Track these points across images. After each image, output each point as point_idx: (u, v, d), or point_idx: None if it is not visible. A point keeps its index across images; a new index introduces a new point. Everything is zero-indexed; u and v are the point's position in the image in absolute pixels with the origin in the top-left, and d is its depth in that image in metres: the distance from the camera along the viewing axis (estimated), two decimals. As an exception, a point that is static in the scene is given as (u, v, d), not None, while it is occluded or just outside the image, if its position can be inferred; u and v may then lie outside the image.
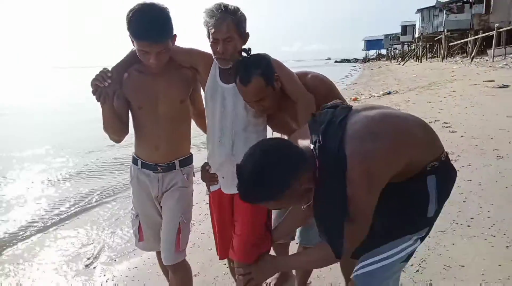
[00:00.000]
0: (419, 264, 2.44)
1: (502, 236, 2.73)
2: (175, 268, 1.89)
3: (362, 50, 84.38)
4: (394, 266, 1.36)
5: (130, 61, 1.82)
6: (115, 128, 1.84)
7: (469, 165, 4.30)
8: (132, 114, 1.89)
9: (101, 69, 1.72)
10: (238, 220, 1.76)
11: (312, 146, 1.31)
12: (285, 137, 1.86)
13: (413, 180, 1.32)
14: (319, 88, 1.74)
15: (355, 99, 12.05)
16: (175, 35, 1.73)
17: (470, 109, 7.76)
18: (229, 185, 1.76)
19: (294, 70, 1.80)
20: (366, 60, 74.81)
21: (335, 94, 1.77)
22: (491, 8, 26.83)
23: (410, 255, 1.38)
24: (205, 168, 1.84)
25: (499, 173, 3.98)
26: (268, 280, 2.18)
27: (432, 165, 1.31)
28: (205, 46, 1.80)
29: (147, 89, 1.80)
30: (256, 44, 1.88)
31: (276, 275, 2.28)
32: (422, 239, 1.39)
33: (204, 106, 1.84)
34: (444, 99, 9.77)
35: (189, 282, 1.99)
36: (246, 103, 1.68)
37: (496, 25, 21.16)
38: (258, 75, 1.57)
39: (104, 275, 2.89)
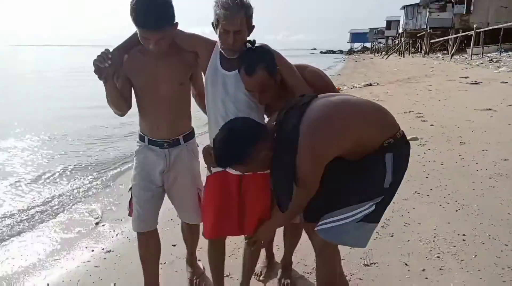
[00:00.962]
0: (384, 222, 2.95)
1: (454, 203, 3.28)
2: (196, 227, 2.21)
3: (348, 42, 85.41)
4: (349, 225, 1.58)
5: (132, 43, 1.89)
6: (117, 104, 1.94)
7: (435, 149, 4.87)
8: (135, 93, 1.98)
9: (103, 50, 1.81)
10: (250, 199, 1.88)
11: (274, 123, 1.61)
12: None
13: (372, 156, 1.53)
14: (317, 83, 1.82)
15: (338, 89, 12.56)
16: (177, 23, 1.79)
17: (443, 102, 8.39)
18: None
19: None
20: (351, 52, 75.69)
21: (331, 89, 1.85)
22: (472, 9, 27.75)
23: (366, 216, 1.57)
24: (208, 151, 1.85)
25: (459, 155, 4.55)
26: (257, 270, 2.40)
27: (388, 142, 1.52)
28: (203, 30, 1.91)
29: (148, 71, 1.88)
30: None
31: (263, 263, 2.49)
32: (377, 204, 1.57)
33: (204, 91, 1.90)
34: (420, 92, 10.40)
35: (198, 237, 2.30)
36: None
37: (475, 25, 21.98)
38: (263, 68, 1.66)
39: (114, 231, 3.30)
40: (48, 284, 2.53)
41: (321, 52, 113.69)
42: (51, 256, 2.98)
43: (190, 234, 2.32)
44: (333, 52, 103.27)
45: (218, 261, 2.13)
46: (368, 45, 75.58)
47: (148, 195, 2.03)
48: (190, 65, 1.94)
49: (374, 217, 1.59)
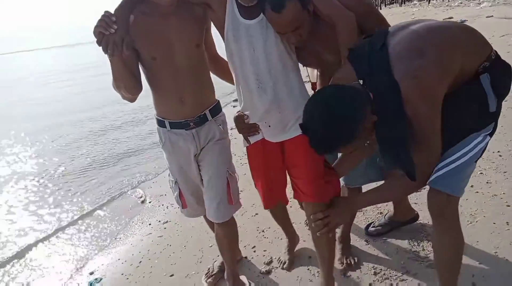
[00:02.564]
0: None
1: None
2: (229, 228, 1.81)
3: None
4: (470, 165, 1.33)
5: (132, 1, 1.54)
6: (128, 84, 1.57)
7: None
8: (145, 67, 1.64)
9: (103, 13, 1.44)
10: (297, 165, 1.66)
11: (360, 81, 1.30)
12: (315, 71, 1.82)
13: (468, 84, 1.30)
14: (357, 6, 1.50)
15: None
16: None
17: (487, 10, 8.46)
18: (277, 133, 1.65)
19: None
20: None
21: (374, 11, 1.60)
22: None
23: (482, 152, 1.36)
24: (242, 119, 1.67)
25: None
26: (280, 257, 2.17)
27: (483, 66, 1.30)
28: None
29: (158, 35, 1.55)
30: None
31: (285, 248, 2.18)
32: (491, 134, 1.36)
33: (226, 49, 1.58)
34: (410, 38, 10.48)
35: (236, 235, 1.91)
36: (276, 40, 1.50)
37: (449, -35, 21.84)
38: None
39: (162, 205, 3.41)
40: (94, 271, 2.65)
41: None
42: (112, 236, 3.10)
43: (224, 239, 1.84)
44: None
45: (283, 221, 2.13)
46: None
47: (194, 182, 1.82)
48: (201, 20, 1.63)
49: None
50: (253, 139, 1.71)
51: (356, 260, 2.02)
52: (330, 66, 1.57)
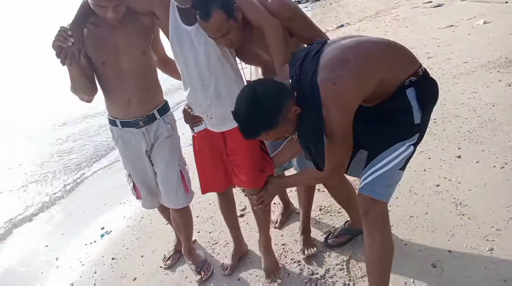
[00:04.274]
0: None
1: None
2: (184, 211, 2.11)
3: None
4: (394, 173, 1.44)
5: (86, 13, 1.70)
6: (85, 88, 1.78)
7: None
8: (96, 72, 1.82)
9: (59, 28, 1.63)
10: (236, 155, 1.86)
11: (290, 81, 1.44)
12: (259, 69, 1.95)
13: (394, 96, 1.42)
14: (283, 12, 1.65)
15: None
16: None
17: (410, 28, 9.05)
18: (218, 124, 1.84)
19: None
20: (316, -1, 74.64)
21: (300, 15, 1.72)
22: None
23: (407, 161, 1.46)
24: (187, 111, 1.85)
25: (428, 66, 5.25)
26: (273, 218, 2.45)
27: (410, 80, 1.40)
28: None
29: (107, 44, 1.74)
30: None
31: (280, 211, 2.58)
32: (415, 145, 1.46)
33: (172, 53, 1.76)
34: (389, 23, 11.00)
35: (191, 218, 2.23)
36: (215, 43, 1.66)
37: None
38: (217, 8, 1.51)
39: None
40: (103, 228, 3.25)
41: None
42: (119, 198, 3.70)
43: (180, 220, 2.16)
44: (299, 2, 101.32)
45: (228, 212, 2.21)
46: (332, -12, 74.48)
47: (149, 176, 2.03)
48: (149, 29, 1.81)
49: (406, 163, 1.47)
50: (197, 129, 1.90)
51: (315, 250, 2.19)
52: (271, 64, 1.72)
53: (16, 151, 5.81)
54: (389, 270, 1.57)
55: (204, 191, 2.03)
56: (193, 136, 1.94)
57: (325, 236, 2.31)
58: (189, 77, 1.77)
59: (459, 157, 2.83)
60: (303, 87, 1.36)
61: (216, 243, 2.55)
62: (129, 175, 2.04)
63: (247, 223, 2.66)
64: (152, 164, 2.02)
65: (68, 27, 1.66)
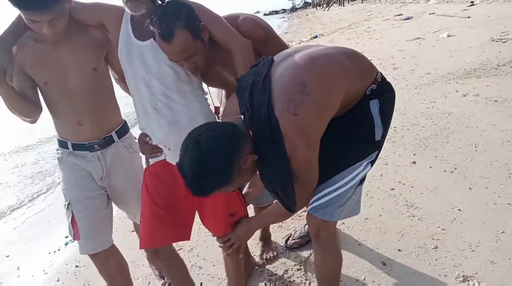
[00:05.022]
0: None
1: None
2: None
3: (288, 0, 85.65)
4: (348, 193, 1.37)
5: (18, 30, 1.49)
6: (20, 109, 1.55)
7: (374, 76, 5.82)
8: (40, 91, 1.60)
9: None
10: (201, 201, 1.58)
11: (242, 117, 1.26)
12: (223, 91, 1.81)
13: (356, 108, 1.30)
14: (256, 32, 1.52)
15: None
16: None
17: (380, 40, 9.40)
18: (178, 156, 1.45)
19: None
20: (293, 9, 76.17)
21: (274, 37, 1.61)
22: None
23: (363, 179, 1.39)
24: (143, 140, 1.60)
25: (392, 77, 5.53)
26: (261, 257, 2.25)
27: (371, 88, 1.30)
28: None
29: (49, 61, 1.52)
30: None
31: (261, 248, 2.31)
32: (372, 163, 1.39)
33: (123, 70, 1.54)
34: (360, 35, 11.38)
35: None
36: (172, 62, 1.42)
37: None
38: (181, 28, 1.31)
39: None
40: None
41: (264, 14, 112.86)
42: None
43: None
44: (277, 12, 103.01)
45: (180, 271, 1.83)
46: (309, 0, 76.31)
47: (95, 205, 1.68)
48: (100, 44, 1.59)
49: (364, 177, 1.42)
50: (153, 160, 1.61)
51: (275, 254, 2.22)
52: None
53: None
54: (338, 278, 1.59)
55: (144, 244, 1.61)
56: (145, 169, 1.64)
57: (285, 238, 2.38)
58: (140, 99, 1.53)
59: (414, 163, 2.98)
60: (259, 124, 1.17)
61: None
62: (68, 204, 1.66)
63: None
64: (110, 191, 1.76)
65: None
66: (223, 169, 1.13)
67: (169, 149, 1.55)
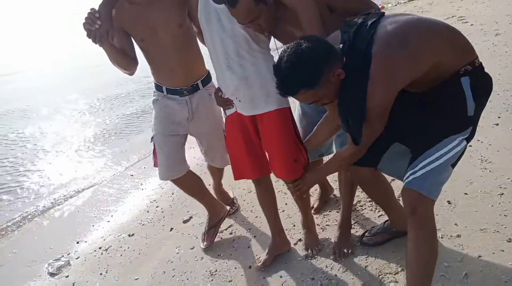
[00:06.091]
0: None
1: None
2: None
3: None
4: (445, 169, 1.34)
5: None
6: (121, 63, 1.89)
7: (471, 42, 5.60)
8: (138, 46, 1.92)
9: (88, 11, 1.72)
10: (269, 144, 1.81)
11: (341, 46, 1.35)
12: None
13: (448, 82, 1.34)
14: None
15: (382, 8, 12.79)
16: None
17: (486, 3, 8.63)
18: (247, 107, 1.78)
19: None
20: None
21: (349, 1, 1.62)
22: None
23: (459, 157, 1.37)
24: (218, 94, 1.83)
25: (493, 43, 5.31)
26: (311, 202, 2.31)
27: (465, 69, 1.33)
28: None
29: (143, 21, 1.79)
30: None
31: (317, 196, 2.46)
32: (468, 139, 1.38)
33: (202, 30, 1.75)
34: (464, -3, 10.49)
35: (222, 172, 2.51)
36: None
37: None
38: None
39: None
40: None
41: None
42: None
43: (217, 169, 2.45)
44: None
45: (265, 203, 2.08)
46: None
47: (173, 142, 2.03)
48: (184, 2, 1.85)
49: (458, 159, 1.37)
50: (228, 112, 1.87)
51: (349, 251, 1.98)
52: None
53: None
54: (432, 275, 1.38)
55: (237, 177, 2.00)
56: (225, 119, 1.94)
57: (362, 232, 2.14)
58: (216, 57, 1.74)
59: (497, 124, 3.08)
60: (355, 55, 1.30)
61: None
62: (152, 137, 2.06)
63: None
64: (193, 130, 2.11)
65: (97, 9, 1.77)
66: (314, 66, 1.28)
67: (240, 101, 1.79)
